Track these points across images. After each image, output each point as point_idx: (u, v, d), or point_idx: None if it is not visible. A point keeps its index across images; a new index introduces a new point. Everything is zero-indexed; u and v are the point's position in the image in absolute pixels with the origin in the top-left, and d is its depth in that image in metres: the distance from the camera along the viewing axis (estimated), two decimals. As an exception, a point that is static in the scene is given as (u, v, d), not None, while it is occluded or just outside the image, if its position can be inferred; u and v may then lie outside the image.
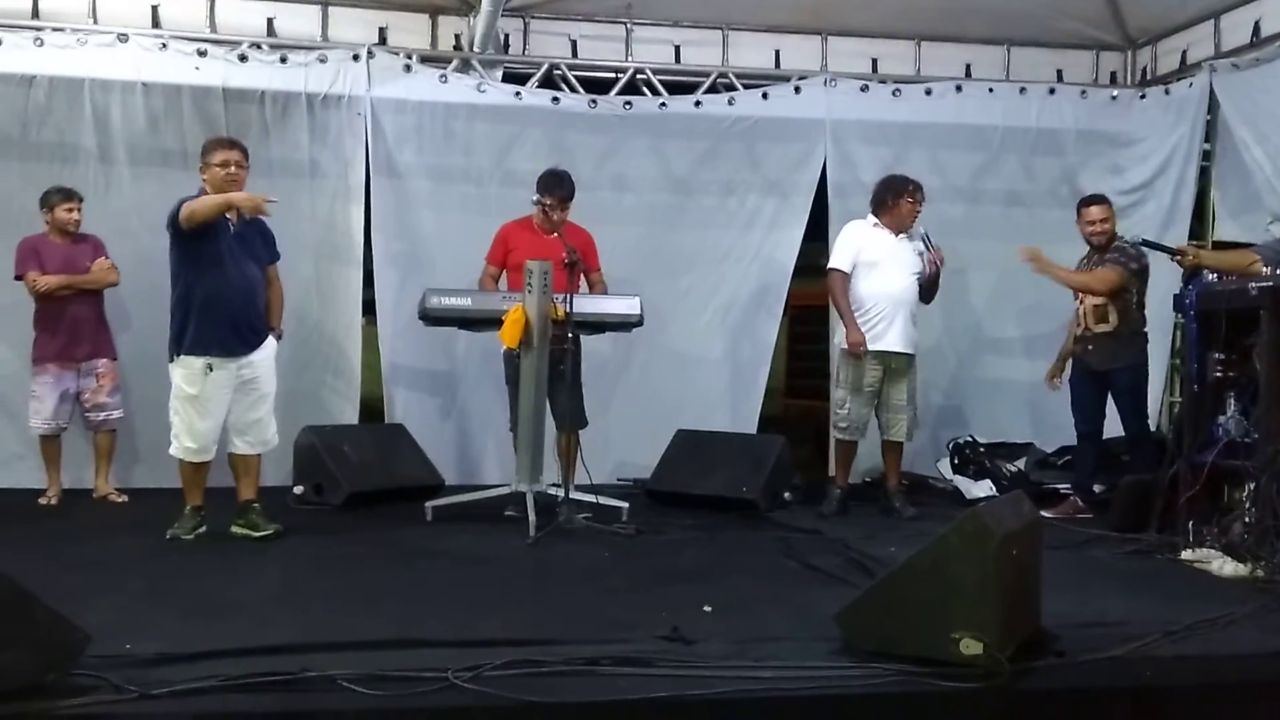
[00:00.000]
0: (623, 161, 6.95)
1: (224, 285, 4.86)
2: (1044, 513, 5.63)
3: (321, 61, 6.53)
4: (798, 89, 7.06)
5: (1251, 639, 3.52)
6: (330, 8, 6.73)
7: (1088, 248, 6.06)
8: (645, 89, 7.08)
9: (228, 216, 4.87)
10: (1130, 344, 5.86)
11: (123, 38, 6.32)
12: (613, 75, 7.09)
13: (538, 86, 6.94)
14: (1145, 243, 5.88)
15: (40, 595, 2.80)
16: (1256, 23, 6.52)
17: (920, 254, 6.00)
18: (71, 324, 5.85)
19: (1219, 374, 4.98)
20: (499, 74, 6.97)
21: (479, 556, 4.78)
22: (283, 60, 6.50)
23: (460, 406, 6.83)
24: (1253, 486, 4.68)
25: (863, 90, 7.10)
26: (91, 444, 6.06)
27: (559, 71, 7.01)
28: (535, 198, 5.74)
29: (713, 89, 7.10)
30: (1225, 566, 4.50)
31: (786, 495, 6.28)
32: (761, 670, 3.03)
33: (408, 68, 6.68)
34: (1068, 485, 6.21)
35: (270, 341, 5.11)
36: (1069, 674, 3.14)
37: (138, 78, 6.31)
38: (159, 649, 3.07)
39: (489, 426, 6.63)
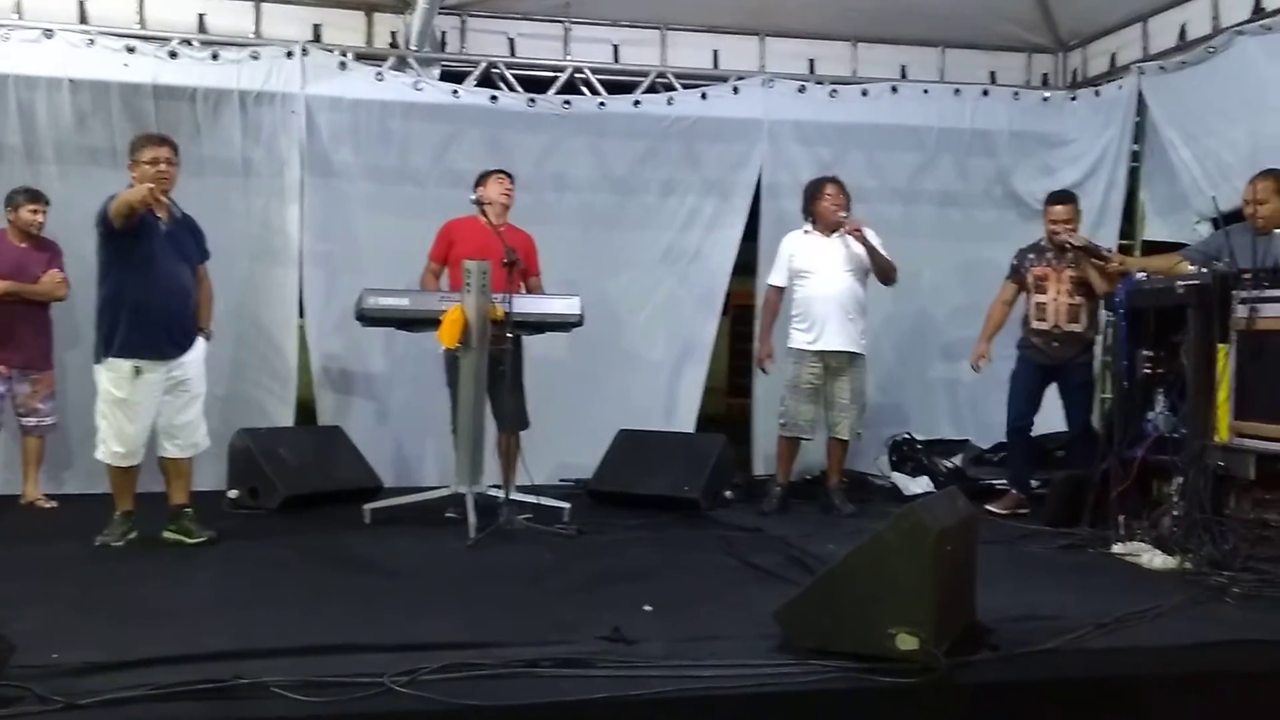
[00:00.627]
0: (562, 161, 6.94)
1: (155, 287, 4.75)
2: (988, 507, 5.75)
3: (254, 58, 6.43)
4: (736, 89, 7.10)
5: (1180, 630, 3.59)
6: (263, 4, 6.62)
7: (1039, 244, 6.09)
8: (584, 88, 7.07)
9: (158, 215, 4.78)
10: (1088, 345, 5.99)
11: (48, 33, 6.17)
12: (551, 74, 7.07)
13: (475, 85, 6.90)
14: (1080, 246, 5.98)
15: (-39, 605, 2.73)
16: (1183, 26, 6.67)
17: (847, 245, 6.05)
18: (7, 331, 5.69)
19: (1148, 370, 5.09)
20: (436, 72, 6.91)
21: (418, 559, 4.73)
22: (214, 57, 6.39)
23: (398, 408, 6.77)
24: (1181, 481, 4.78)
25: (800, 91, 7.15)
26: (20, 449, 5.91)
27: (497, 70, 6.97)
28: (473, 197, 5.68)
29: (651, 89, 7.11)
30: (1155, 559, 4.59)
31: (728, 494, 6.32)
32: (701, 669, 3.03)
33: (343, 65, 6.61)
34: (1003, 481, 6.30)
35: (200, 342, 5.01)
36: (1004, 667, 3.18)
37: (64, 74, 6.16)
38: (87, 658, 3.00)
39: (427, 428, 6.57)
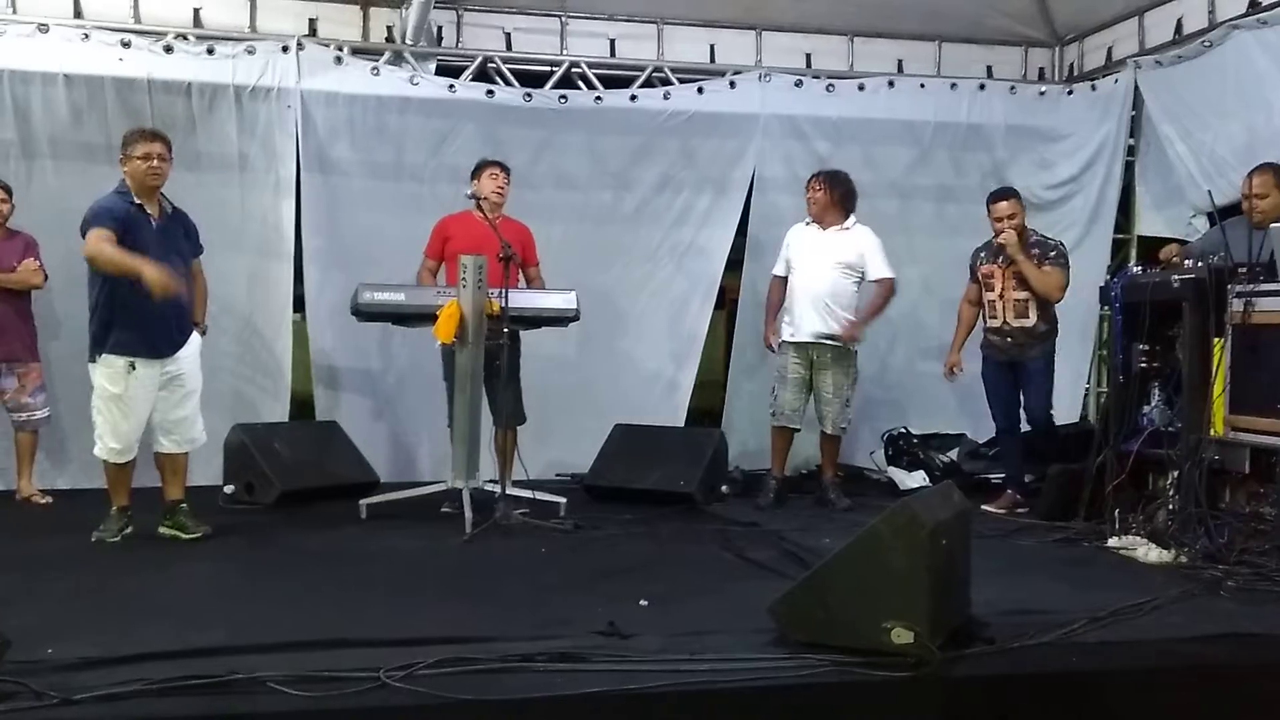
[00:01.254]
0: (558, 156, 6.92)
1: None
2: (985, 507, 5.74)
3: (250, 53, 6.41)
4: (733, 84, 7.08)
5: (1175, 624, 3.60)
6: (259, -2, 6.62)
7: (990, 242, 6.07)
8: (580, 83, 7.06)
9: (147, 210, 4.77)
10: (1046, 336, 5.92)
11: (43, 28, 6.15)
12: (547, 69, 7.05)
13: (471, 80, 6.89)
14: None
15: (-44, 600, 2.73)
16: (1179, 20, 6.67)
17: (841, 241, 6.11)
18: None
19: (1143, 364, 5.09)
20: (432, 67, 6.90)
21: (414, 554, 4.74)
22: (210, 52, 6.36)
23: (394, 403, 6.77)
24: (1176, 475, 4.79)
25: (796, 85, 7.14)
26: (13, 444, 5.91)
27: (493, 64, 6.96)
28: (469, 192, 5.68)
29: (648, 83, 7.09)
30: (1150, 553, 4.60)
31: (724, 488, 6.32)
32: (697, 663, 3.04)
33: (339, 60, 6.59)
34: (999, 475, 6.31)
35: (195, 338, 5.00)
36: (998, 661, 3.18)
37: (59, 69, 6.14)
38: (82, 653, 3.00)
39: (424, 423, 6.58)
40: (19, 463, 5.89)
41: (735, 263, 7.20)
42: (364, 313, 5.46)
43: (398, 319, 5.66)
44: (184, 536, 4.89)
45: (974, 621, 3.40)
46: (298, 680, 2.77)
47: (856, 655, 3.03)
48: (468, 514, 5.10)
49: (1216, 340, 4.71)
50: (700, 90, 7.06)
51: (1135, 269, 5.38)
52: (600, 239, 7.01)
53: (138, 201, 4.77)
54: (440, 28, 6.91)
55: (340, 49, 6.64)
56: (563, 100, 6.91)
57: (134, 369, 4.74)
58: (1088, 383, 7.49)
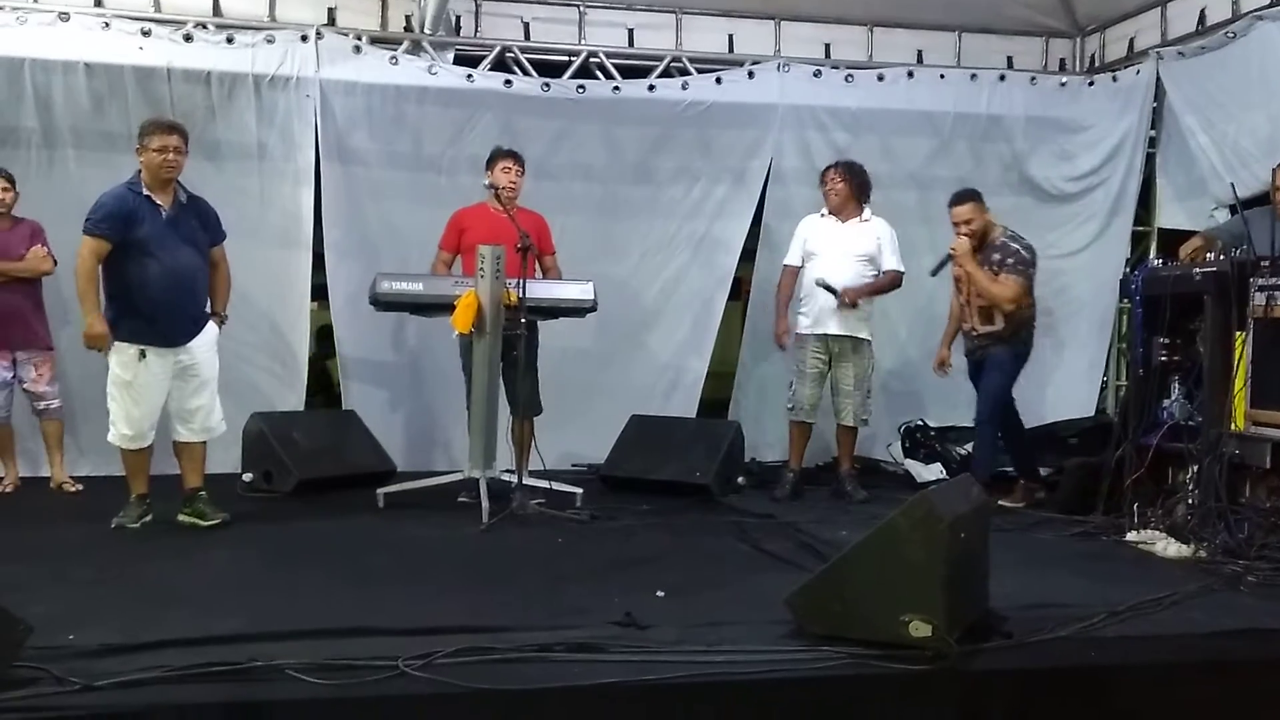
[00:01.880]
0: (575, 146, 6.91)
1: (155, 275, 4.74)
2: (1002, 502, 5.68)
3: (269, 42, 6.42)
4: (751, 74, 7.06)
5: (1194, 619, 3.58)
6: (278, -13, 6.63)
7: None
8: (598, 73, 7.04)
9: (157, 201, 4.78)
10: (1014, 339, 5.77)
11: (64, 17, 6.18)
12: (565, 59, 7.04)
13: (489, 69, 6.88)
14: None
15: (-20, 585, 2.75)
16: (1202, 10, 6.62)
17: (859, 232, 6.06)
18: (2, 312, 5.71)
19: (1164, 358, 5.05)
20: (450, 56, 6.89)
21: (431, 543, 4.75)
22: (229, 41, 6.38)
23: (411, 393, 6.78)
24: (1196, 469, 4.76)
25: (815, 75, 7.11)
26: (40, 433, 5.96)
27: (511, 54, 6.95)
28: (487, 182, 5.68)
29: (666, 73, 7.08)
30: (1169, 547, 4.58)
31: (740, 480, 6.31)
32: (713, 655, 3.04)
33: (357, 49, 6.59)
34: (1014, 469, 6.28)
35: (211, 328, 5.00)
36: (1016, 655, 3.17)
37: (80, 58, 6.17)
38: (103, 639, 3.02)
39: (440, 413, 6.60)
40: (48, 451, 5.94)
41: (748, 253, 7.18)
42: (382, 302, 5.47)
43: (416, 309, 5.66)
44: (203, 524, 4.92)
45: (992, 615, 3.39)
46: (317, 668, 2.79)
47: (874, 648, 3.02)
48: (484, 503, 5.11)
49: (1238, 334, 4.67)
50: (718, 80, 7.03)
51: (1156, 262, 5.35)
52: (617, 229, 7.00)
53: (147, 192, 4.78)
54: (458, 17, 6.91)
55: (359, 38, 6.65)
56: (580, 90, 6.90)
57: (145, 357, 4.76)
58: (1105, 375, 7.45)
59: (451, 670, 2.82)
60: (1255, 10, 6.11)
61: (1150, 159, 7.25)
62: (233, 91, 6.39)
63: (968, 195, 5.88)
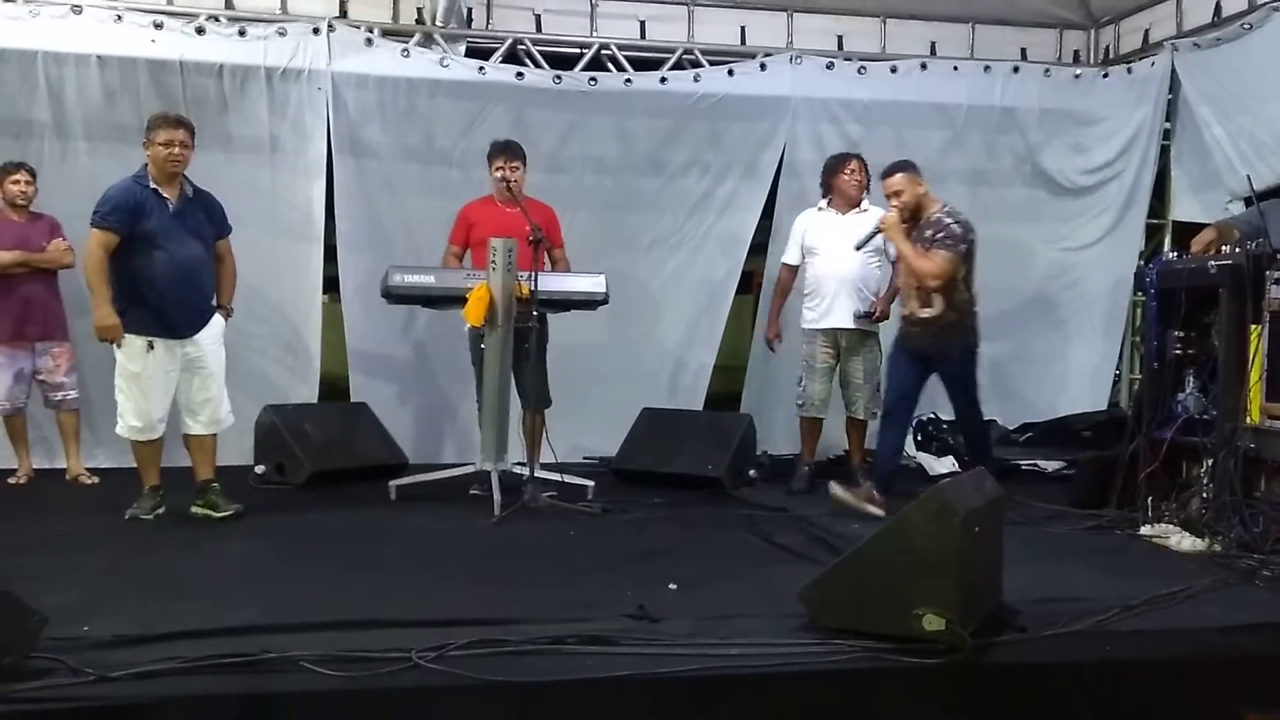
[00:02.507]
0: (587, 138, 6.89)
1: (161, 267, 4.77)
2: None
3: (281, 35, 6.42)
4: (763, 66, 7.03)
5: (1208, 613, 3.57)
6: (290, -20, 6.63)
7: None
8: (610, 65, 7.03)
9: (164, 195, 4.80)
10: (956, 330, 5.32)
11: (76, 9, 6.18)
12: (577, 51, 7.03)
13: (501, 62, 6.87)
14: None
15: (-4, 577, 2.77)
16: (1218, 2, 6.58)
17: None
18: (23, 303, 5.74)
19: (1178, 351, 5.02)
20: (462, 49, 6.88)
21: (443, 536, 4.76)
22: (241, 33, 6.38)
23: (422, 385, 6.78)
24: (1210, 463, 4.73)
25: (828, 68, 7.08)
26: (56, 425, 5.98)
27: (523, 47, 6.94)
28: (499, 175, 5.68)
29: (678, 65, 7.06)
30: (1183, 541, 4.56)
31: (752, 473, 6.30)
32: (726, 648, 3.04)
33: (369, 42, 6.59)
34: (1030, 461, 6.26)
35: (217, 320, 5.02)
36: (1030, 649, 3.17)
37: (92, 50, 6.18)
38: (117, 631, 3.04)
39: (451, 406, 6.60)
40: (65, 443, 5.96)
41: (758, 246, 7.16)
42: (394, 295, 5.48)
43: (427, 301, 5.67)
44: (216, 516, 4.94)
45: (1005, 609, 3.39)
46: (330, 660, 2.80)
47: (887, 642, 3.02)
48: (496, 496, 5.11)
49: (1254, 327, 4.64)
50: (730, 72, 7.01)
51: (1170, 255, 5.31)
52: (628, 222, 6.98)
53: (153, 186, 4.80)
54: (470, 9, 6.90)
55: (371, 31, 6.64)
56: (592, 82, 6.88)
57: (152, 348, 4.79)
58: (1119, 369, 7.42)
59: (464, 662, 2.83)
60: (1271, 1, 6.07)
61: (1165, 151, 7.22)
62: (245, 84, 6.39)
63: (900, 166, 5.47)
